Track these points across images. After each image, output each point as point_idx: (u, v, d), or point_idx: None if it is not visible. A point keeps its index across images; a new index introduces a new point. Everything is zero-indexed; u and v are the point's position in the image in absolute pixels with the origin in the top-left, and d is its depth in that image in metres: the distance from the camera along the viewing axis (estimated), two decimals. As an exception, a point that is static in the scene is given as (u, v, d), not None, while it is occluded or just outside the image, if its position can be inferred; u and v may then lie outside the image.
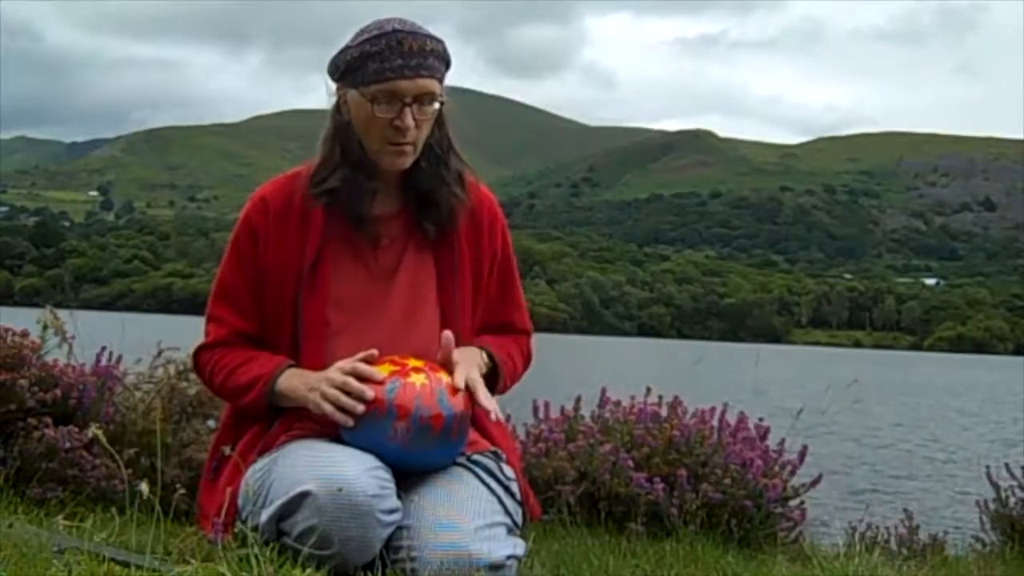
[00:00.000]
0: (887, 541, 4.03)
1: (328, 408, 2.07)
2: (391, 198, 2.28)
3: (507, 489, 2.18)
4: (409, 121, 2.17)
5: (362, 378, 2.07)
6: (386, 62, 2.14)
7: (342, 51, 2.20)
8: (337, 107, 2.23)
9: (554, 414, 3.89)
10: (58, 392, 3.32)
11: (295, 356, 2.21)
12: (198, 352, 2.34)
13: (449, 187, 2.26)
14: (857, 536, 3.83)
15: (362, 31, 2.20)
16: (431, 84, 2.18)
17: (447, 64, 2.22)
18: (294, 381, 2.15)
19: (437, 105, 2.21)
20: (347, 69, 2.19)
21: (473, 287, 2.32)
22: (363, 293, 2.24)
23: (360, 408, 2.05)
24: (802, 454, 3.83)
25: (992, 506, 4.30)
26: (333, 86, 2.25)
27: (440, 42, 2.20)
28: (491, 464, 2.20)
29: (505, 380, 2.34)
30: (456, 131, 2.30)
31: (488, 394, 2.17)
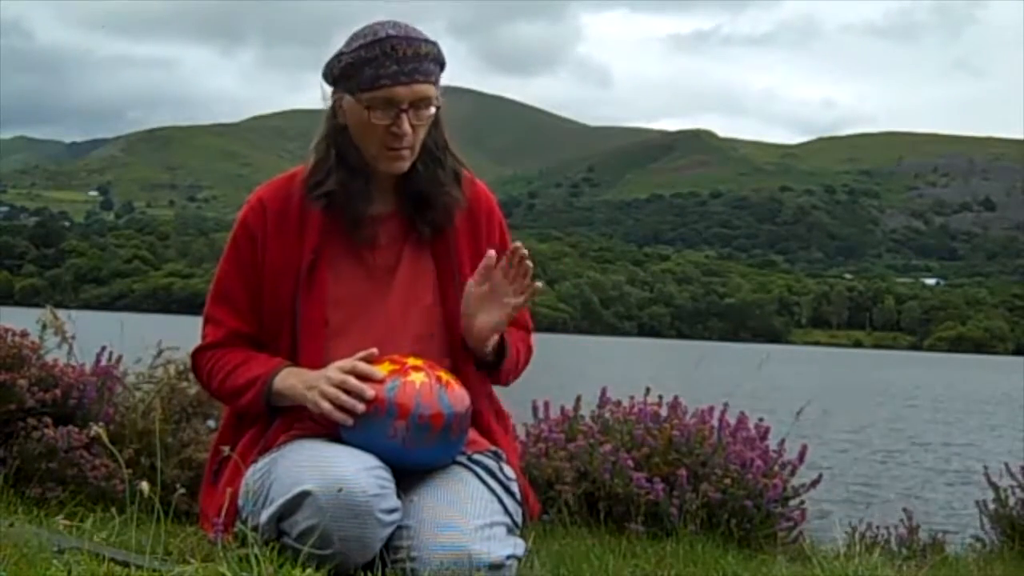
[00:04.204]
0: (887, 541, 4.03)
1: (327, 407, 2.07)
2: (387, 198, 2.28)
3: (507, 489, 2.18)
4: (406, 128, 2.16)
5: (362, 377, 2.07)
6: (381, 69, 2.13)
7: (336, 57, 2.19)
8: (333, 111, 2.23)
9: (554, 414, 3.89)
10: (58, 392, 3.32)
11: (294, 357, 2.21)
12: (196, 354, 2.34)
13: (445, 188, 2.25)
14: (857, 536, 3.83)
15: (356, 36, 2.18)
16: (427, 89, 2.17)
17: (442, 66, 2.22)
18: (292, 380, 2.15)
19: (433, 109, 2.20)
20: (342, 75, 2.18)
21: None
22: (361, 293, 2.24)
23: (360, 407, 2.05)
24: (802, 454, 3.83)
25: (992, 506, 4.30)
26: (329, 90, 2.24)
27: (434, 45, 2.19)
28: (491, 464, 2.20)
29: (508, 365, 2.31)
30: (453, 129, 2.30)
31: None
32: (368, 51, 2.14)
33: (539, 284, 2.20)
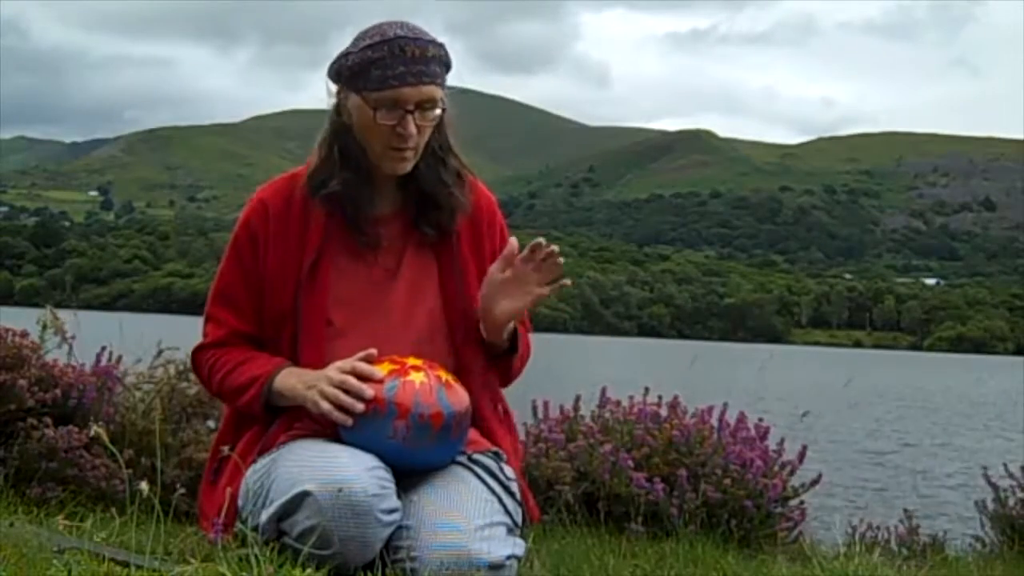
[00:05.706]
0: (887, 541, 4.03)
1: (327, 407, 2.07)
2: (390, 199, 2.28)
3: (507, 489, 2.18)
4: (411, 128, 2.16)
5: (361, 377, 2.07)
6: (389, 69, 2.14)
7: (343, 55, 2.19)
8: (337, 110, 2.23)
9: (554, 414, 3.89)
10: (58, 392, 3.32)
11: (295, 358, 2.21)
12: (196, 352, 2.34)
13: (448, 188, 2.26)
14: (857, 536, 3.84)
15: (363, 35, 2.18)
16: (433, 91, 2.17)
17: (448, 67, 2.22)
18: (291, 380, 2.15)
19: (439, 111, 2.21)
20: (349, 74, 2.18)
21: (477, 286, 2.32)
22: (363, 294, 2.24)
23: (360, 407, 2.05)
24: (801, 454, 3.84)
25: (992, 506, 4.31)
26: (334, 88, 2.24)
27: (441, 46, 2.19)
28: (491, 464, 2.20)
29: (523, 351, 2.35)
30: (456, 131, 2.30)
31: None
32: (376, 51, 2.14)
33: (567, 280, 2.22)
